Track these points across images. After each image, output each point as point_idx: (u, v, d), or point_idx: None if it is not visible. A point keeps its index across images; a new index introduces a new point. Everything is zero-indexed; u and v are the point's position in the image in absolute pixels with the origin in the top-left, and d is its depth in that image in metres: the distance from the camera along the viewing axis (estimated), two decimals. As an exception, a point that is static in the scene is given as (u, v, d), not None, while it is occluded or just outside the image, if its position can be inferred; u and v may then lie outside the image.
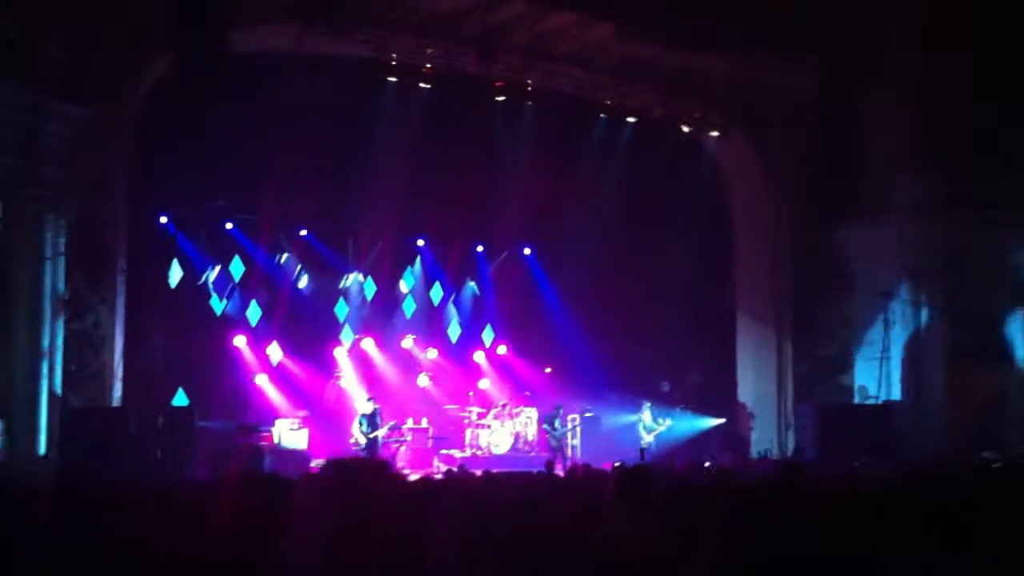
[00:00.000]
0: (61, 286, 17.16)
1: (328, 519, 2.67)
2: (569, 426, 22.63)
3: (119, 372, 18.78)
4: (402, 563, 2.63)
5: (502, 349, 25.48)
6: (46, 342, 16.69)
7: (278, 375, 22.45)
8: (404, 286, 25.00)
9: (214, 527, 2.77)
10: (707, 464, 16.73)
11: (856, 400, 23.47)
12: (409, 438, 21.84)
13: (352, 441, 20.08)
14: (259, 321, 22.73)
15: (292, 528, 2.77)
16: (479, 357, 25.33)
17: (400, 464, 20.14)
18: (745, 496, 5.97)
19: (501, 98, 21.92)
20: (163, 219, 21.30)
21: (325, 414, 22.06)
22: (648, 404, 23.00)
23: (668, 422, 22.82)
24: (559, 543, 4.34)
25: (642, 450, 20.19)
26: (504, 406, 23.56)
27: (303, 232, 23.14)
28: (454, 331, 25.57)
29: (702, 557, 4.05)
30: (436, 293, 25.40)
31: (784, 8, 21.70)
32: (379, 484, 2.78)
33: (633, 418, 22.99)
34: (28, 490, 7.34)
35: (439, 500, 2.65)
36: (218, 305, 22.34)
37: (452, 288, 25.48)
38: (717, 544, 4.04)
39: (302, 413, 21.48)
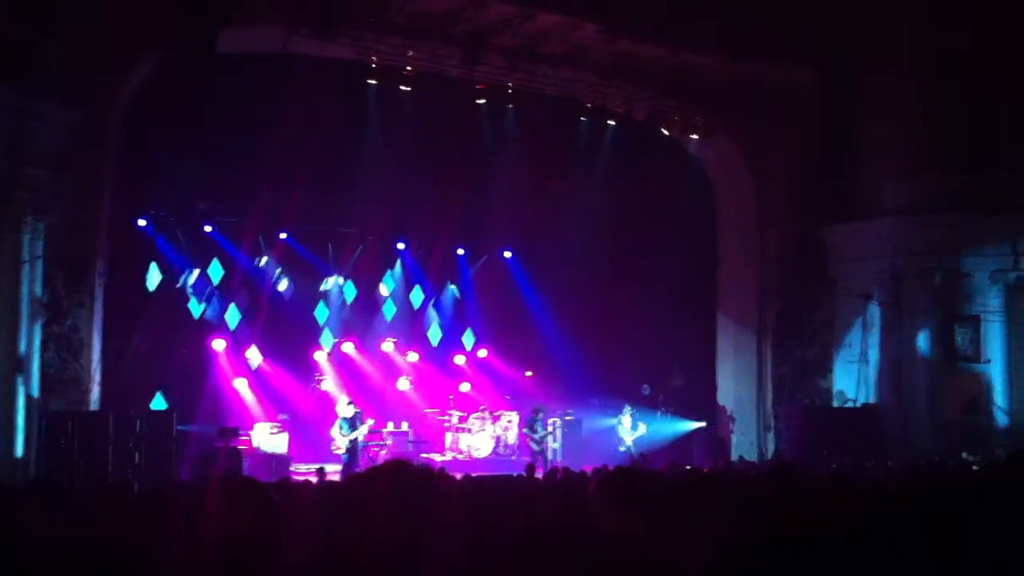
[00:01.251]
0: (39, 289, 17.01)
1: (324, 522, 2.65)
2: (549, 429, 22.56)
3: (97, 375, 18.65)
4: (397, 565, 2.61)
5: (483, 352, 25.45)
6: (24, 345, 16.54)
7: (257, 379, 22.35)
8: (384, 289, 24.91)
9: (203, 530, 2.73)
10: (688, 468, 16.72)
11: (835, 403, 23.54)
12: (389, 442, 21.75)
13: (334, 447, 19.99)
14: (238, 324, 22.60)
15: (286, 531, 2.75)
16: (460, 360, 25.31)
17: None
18: (736, 497, 5.97)
19: (482, 101, 21.90)
20: (142, 222, 21.19)
21: (305, 418, 21.97)
22: (629, 407, 22.96)
23: (644, 428, 22.73)
24: (540, 546, 4.32)
25: (629, 453, 20.21)
26: (484, 409, 23.53)
27: (283, 235, 23.03)
28: (435, 334, 25.51)
29: (692, 559, 4.03)
30: (416, 296, 25.33)
31: (775, 8, 21.70)
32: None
33: (613, 421, 22.94)
34: (6, 492, 7.27)
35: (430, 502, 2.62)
36: (197, 308, 22.22)
37: (433, 291, 25.41)
38: (708, 546, 4.03)
39: (282, 417, 21.39)
